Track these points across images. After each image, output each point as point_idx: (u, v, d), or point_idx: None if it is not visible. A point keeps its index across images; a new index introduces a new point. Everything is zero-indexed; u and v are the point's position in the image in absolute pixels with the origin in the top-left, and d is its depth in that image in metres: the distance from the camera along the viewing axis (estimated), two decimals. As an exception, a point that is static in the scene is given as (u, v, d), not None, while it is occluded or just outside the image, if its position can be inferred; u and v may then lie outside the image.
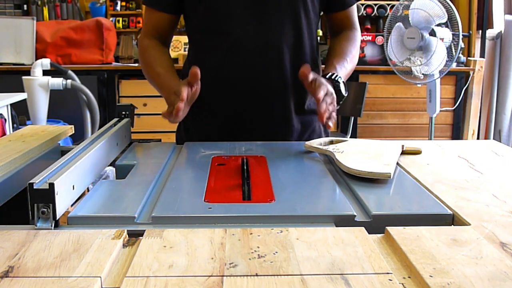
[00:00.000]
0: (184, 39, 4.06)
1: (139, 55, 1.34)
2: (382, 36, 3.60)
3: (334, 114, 1.06)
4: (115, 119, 1.20)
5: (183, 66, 1.39)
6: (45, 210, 0.68)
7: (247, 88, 1.25)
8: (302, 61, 1.27)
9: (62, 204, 0.71)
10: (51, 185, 0.68)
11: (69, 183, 0.75)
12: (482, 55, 4.22)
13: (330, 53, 1.32)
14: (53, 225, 0.69)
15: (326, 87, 1.07)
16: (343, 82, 1.18)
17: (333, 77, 1.16)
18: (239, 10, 1.21)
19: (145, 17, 1.35)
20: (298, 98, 1.29)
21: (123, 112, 1.23)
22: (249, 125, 1.28)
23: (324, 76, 1.16)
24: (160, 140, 1.25)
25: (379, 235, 0.66)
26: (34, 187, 0.68)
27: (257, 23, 1.22)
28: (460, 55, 4.02)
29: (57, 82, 2.89)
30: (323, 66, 1.27)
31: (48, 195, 0.68)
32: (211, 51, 1.26)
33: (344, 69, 1.23)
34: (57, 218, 0.70)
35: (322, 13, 1.34)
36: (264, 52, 1.23)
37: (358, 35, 1.35)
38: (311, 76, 1.06)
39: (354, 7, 1.35)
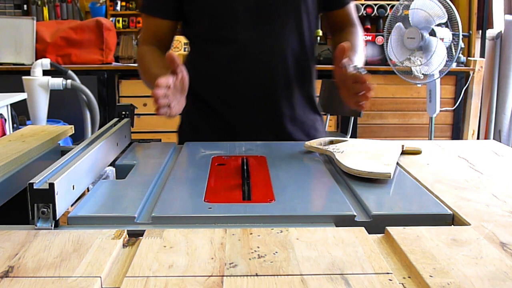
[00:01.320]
0: (184, 39, 4.05)
1: (138, 62, 1.31)
2: (382, 36, 3.60)
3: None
4: (115, 119, 1.20)
5: None
6: (45, 210, 0.68)
7: (252, 92, 1.25)
8: (304, 61, 1.27)
9: (62, 204, 0.71)
10: (51, 185, 0.68)
11: (69, 183, 0.75)
12: (482, 55, 4.21)
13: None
14: (53, 225, 0.69)
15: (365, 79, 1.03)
16: None
17: (358, 69, 1.15)
18: (244, 17, 1.20)
19: (144, 25, 1.32)
20: (305, 95, 1.29)
21: (123, 112, 1.23)
22: (255, 128, 1.28)
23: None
24: (160, 140, 1.25)
25: (379, 235, 0.66)
26: (34, 187, 0.68)
27: (261, 28, 1.21)
28: (460, 55, 4.02)
29: (57, 82, 2.88)
30: (318, 65, 1.26)
31: (48, 195, 0.68)
32: (215, 57, 1.25)
33: (359, 62, 1.22)
34: (57, 218, 0.70)
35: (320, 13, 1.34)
36: (269, 57, 1.23)
37: (360, 31, 1.35)
38: (346, 59, 1.04)
39: (352, 4, 1.35)
